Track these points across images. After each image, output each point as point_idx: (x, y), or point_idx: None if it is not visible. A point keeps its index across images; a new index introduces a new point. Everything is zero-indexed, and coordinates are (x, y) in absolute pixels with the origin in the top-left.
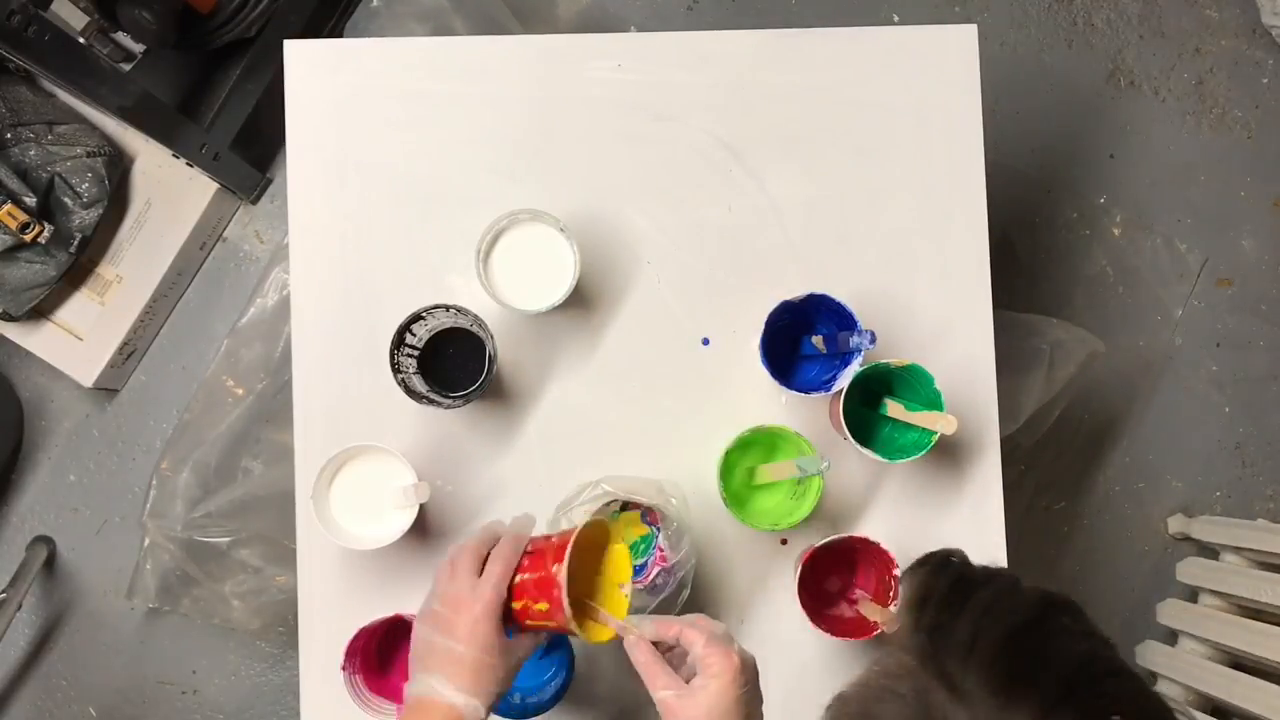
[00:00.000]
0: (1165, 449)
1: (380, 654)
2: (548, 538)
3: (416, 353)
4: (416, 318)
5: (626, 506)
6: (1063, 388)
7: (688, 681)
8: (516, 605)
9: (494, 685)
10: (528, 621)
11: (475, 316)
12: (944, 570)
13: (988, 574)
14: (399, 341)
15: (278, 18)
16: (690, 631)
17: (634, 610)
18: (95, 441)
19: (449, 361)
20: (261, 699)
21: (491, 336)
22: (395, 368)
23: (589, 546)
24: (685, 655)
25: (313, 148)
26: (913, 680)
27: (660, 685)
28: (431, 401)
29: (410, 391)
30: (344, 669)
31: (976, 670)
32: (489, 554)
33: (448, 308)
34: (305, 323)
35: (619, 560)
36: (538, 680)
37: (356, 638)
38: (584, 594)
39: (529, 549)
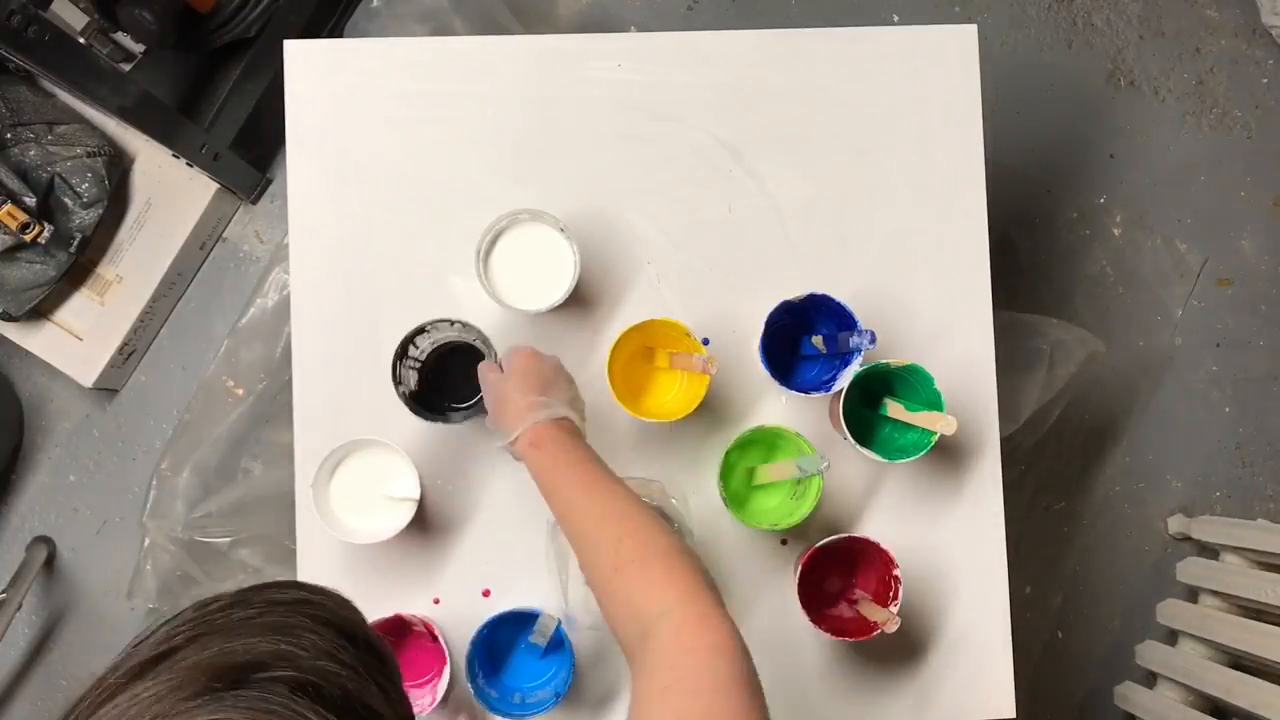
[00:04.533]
0: (1165, 449)
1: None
2: None
3: (419, 365)
4: (420, 330)
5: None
6: (1063, 388)
7: None
8: None
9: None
10: None
11: (479, 332)
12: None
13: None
14: (401, 354)
15: (278, 18)
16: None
17: None
18: (95, 441)
19: (452, 371)
20: None
21: (496, 353)
22: (396, 379)
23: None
24: None
25: (313, 148)
26: None
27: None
28: (430, 419)
29: (411, 406)
30: None
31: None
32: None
33: (452, 322)
34: (305, 323)
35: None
36: (537, 680)
37: None
38: (636, 382)
39: None
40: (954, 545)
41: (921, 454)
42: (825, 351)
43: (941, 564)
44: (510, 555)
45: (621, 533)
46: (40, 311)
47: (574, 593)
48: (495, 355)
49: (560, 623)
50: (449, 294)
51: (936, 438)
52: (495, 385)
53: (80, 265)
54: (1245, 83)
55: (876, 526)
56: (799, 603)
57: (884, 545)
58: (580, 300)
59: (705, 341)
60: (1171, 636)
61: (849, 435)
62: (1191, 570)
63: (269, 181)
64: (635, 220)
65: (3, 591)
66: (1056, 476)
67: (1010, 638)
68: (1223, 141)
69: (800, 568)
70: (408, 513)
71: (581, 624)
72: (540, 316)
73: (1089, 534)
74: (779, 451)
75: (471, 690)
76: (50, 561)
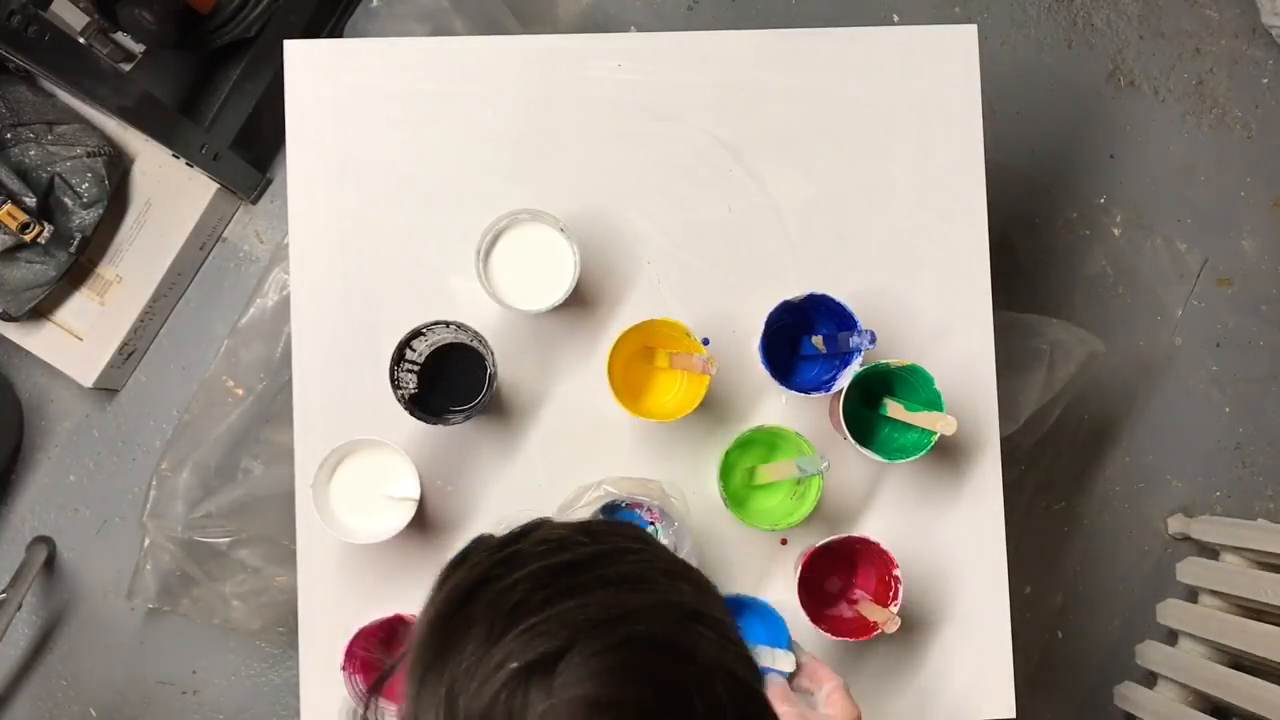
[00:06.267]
0: (1165, 449)
1: (381, 653)
2: None
3: (417, 368)
4: (416, 334)
5: (627, 506)
6: (1063, 388)
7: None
8: None
9: None
10: None
11: (476, 333)
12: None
13: (478, 548)
14: (399, 357)
15: (278, 18)
16: (821, 670)
17: None
18: (95, 441)
19: (450, 371)
20: (261, 699)
21: (492, 353)
22: (395, 383)
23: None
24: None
25: (313, 148)
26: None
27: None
28: (430, 421)
29: (409, 408)
30: (344, 669)
31: (405, 681)
32: None
33: (448, 324)
34: (305, 323)
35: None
36: None
37: (356, 638)
38: (636, 382)
39: None
40: (954, 545)
41: (921, 454)
42: (825, 351)
43: (941, 564)
44: None
45: None
46: (40, 311)
47: None
48: (493, 355)
49: None
50: (449, 294)
51: (936, 438)
52: None
53: (80, 265)
54: (1245, 83)
55: (876, 526)
56: (799, 603)
57: (884, 545)
58: (580, 300)
59: (705, 341)
60: (1171, 636)
61: (849, 435)
62: (1191, 570)
63: (269, 181)
64: (635, 220)
65: (3, 591)
66: (1056, 476)
67: (1010, 638)
68: (1223, 141)
69: (800, 568)
70: (408, 513)
71: None
72: (540, 316)
73: (1089, 534)
74: (779, 451)
75: None
76: (50, 561)
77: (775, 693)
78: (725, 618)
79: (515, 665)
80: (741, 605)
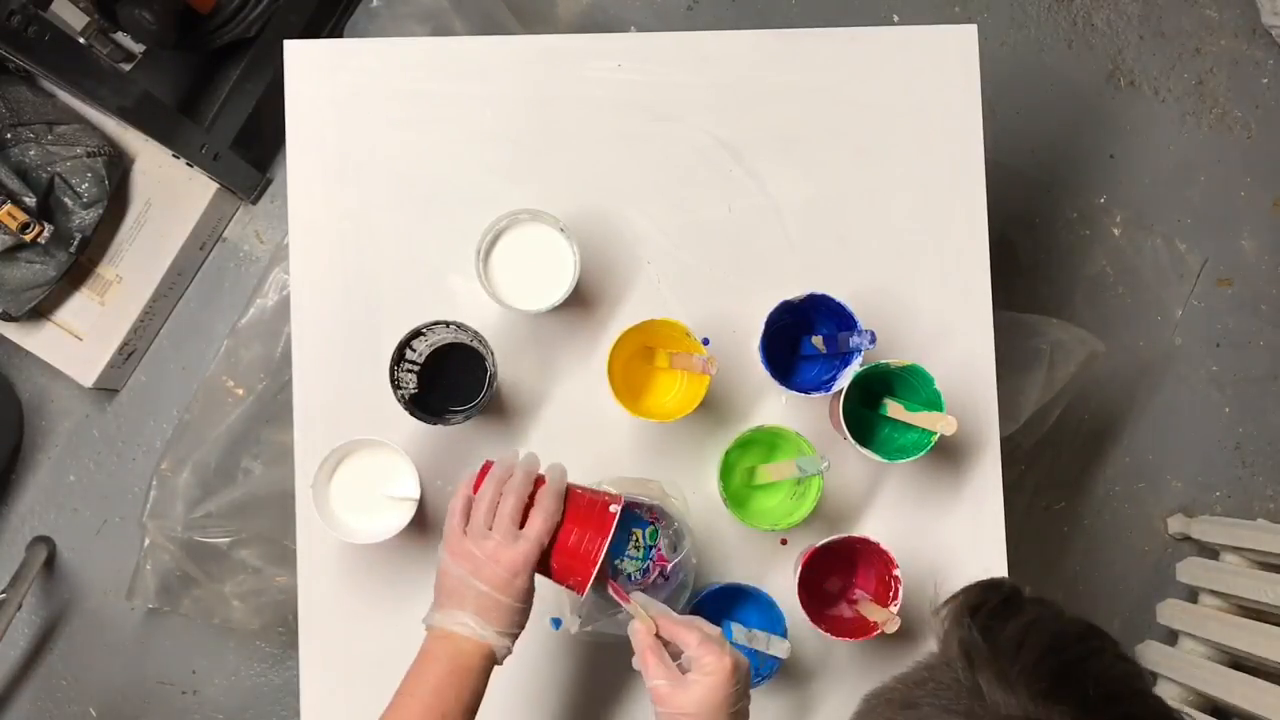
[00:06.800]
0: (1165, 449)
1: None
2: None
3: (417, 368)
4: (416, 334)
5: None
6: (1063, 388)
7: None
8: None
9: (520, 628)
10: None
11: (475, 333)
12: (996, 588)
13: (1035, 599)
14: (399, 357)
15: (278, 18)
16: (684, 631)
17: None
18: (95, 441)
19: (450, 371)
20: (261, 699)
21: (492, 353)
22: (395, 383)
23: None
24: (679, 653)
25: (313, 148)
26: (957, 671)
27: (655, 674)
28: (429, 422)
29: (409, 408)
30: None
31: (1023, 666)
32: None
33: (448, 324)
34: (305, 323)
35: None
36: None
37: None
38: (636, 382)
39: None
40: (954, 545)
41: (921, 454)
42: (825, 351)
43: (942, 564)
44: None
45: None
46: (40, 311)
47: (570, 598)
48: (493, 355)
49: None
50: (449, 294)
51: (936, 438)
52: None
53: (80, 265)
54: (1245, 83)
55: (876, 526)
56: (799, 603)
57: (884, 545)
58: (580, 300)
59: (705, 341)
60: (1171, 636)
61: (849, 435)
62: (1191, 570)
63: (269, 181)
64: (635, 220)
65: (3, 591)
66: (1056, 476)
67: None
68: (1223, 141)
69: (800, 568)
70: (408, 513)
71: (573, 630)
72: (540, 316)
73: (1089, 534)
74: (779, 451)
75: None
76: (50, 561)
77: (647, 653)
78: None
79: None
80: (740, 593)
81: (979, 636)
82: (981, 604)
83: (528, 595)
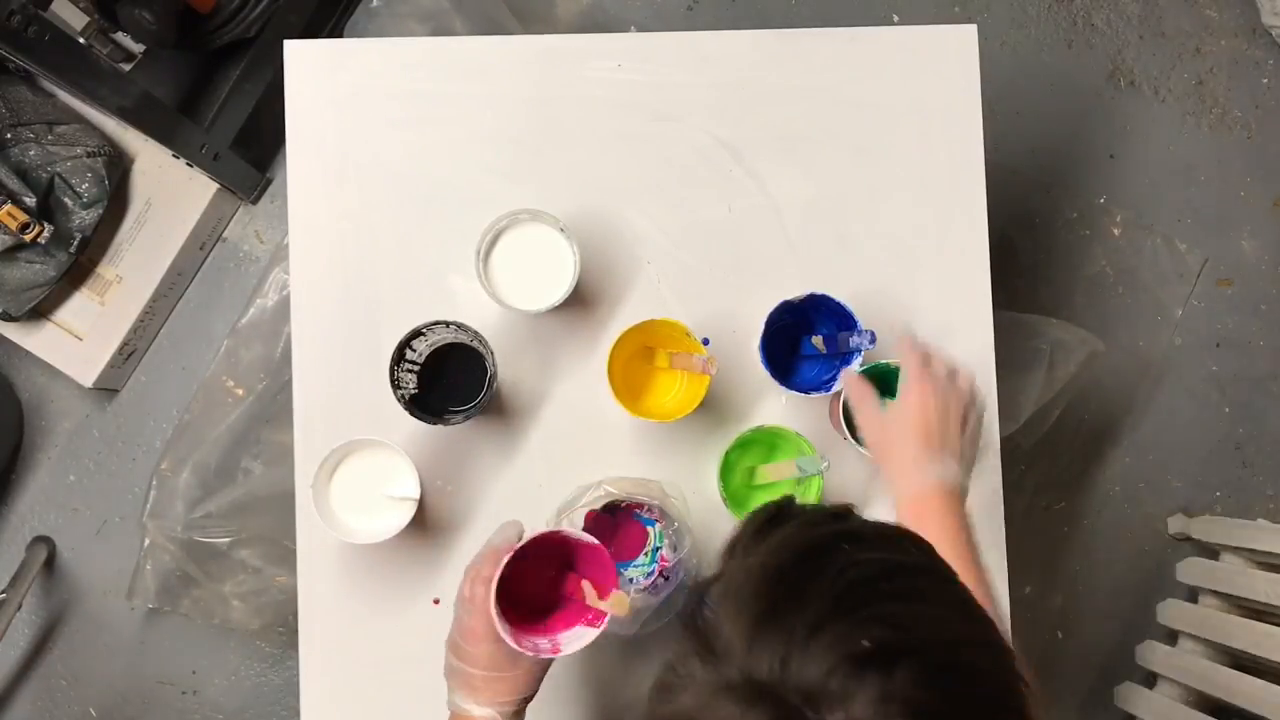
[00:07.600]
0: (1165, 449)
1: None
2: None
3: (416, 368)
4: (416, 334)
5: (627, 507)
6: (1063, 388)
7: None
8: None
9: (511, 694)
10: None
11: (475, 333)
12: (753, 518)
13: (803, 512)
14: (399, 358)
15: (278, 18)
16: (910, 356)
17: (636, 611)
18: (95, 441)
19: (450, 371)
20: (261, 699)
21: (492, 353)
22: (395, 383)
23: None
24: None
25: (313, 148)
26: (684, 660)
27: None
28: (429, 422)
29: (409, 408)
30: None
31: (729, 619)
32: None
33: (448, 324)
34: (305, 323)
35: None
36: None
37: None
38: (636, 382)
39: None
40: None
41: None
42: (825, 351)
43: None
44: None
45: None
46: (40, 311)
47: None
48: (493, 355)
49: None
50: (449, 294)
51: None
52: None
53: (80, 265)
54: (1245, 83)
55: None
56: None
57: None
58: (580, 300)
59: (705, 341)
60: (1171, 636)
61: (849, 435)
62: (1191, 570)
63: (269, 181)
64: (635, 220)
65: (3, 591)
66: (1056, 476)
67: (1010, 638)
68: (1223, 141)
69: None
70: (408, 513)
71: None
72: (540, 316)
73: (1089, 534)
74: (779, 451)
75: None
76: (50, 561)
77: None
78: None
79: (856, 650)
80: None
81: (696, 599)
82: (736, 540)
83: (500, 663)
